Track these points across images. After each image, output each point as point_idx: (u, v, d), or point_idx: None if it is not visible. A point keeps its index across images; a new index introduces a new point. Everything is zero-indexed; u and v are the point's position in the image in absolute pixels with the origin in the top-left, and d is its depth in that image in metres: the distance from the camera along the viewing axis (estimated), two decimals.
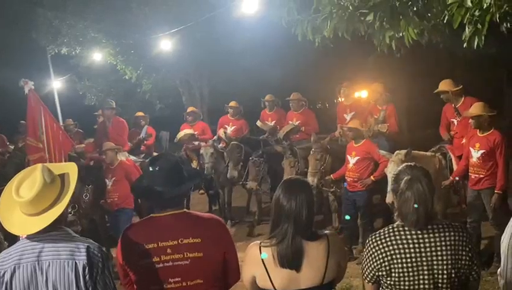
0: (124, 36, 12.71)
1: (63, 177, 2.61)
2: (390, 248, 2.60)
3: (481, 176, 5.94)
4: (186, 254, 2.64)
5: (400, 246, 2.59)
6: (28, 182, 2.49)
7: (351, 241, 7.00)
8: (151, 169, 2.77)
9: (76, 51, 14.05)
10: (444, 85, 6.87)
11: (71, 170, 2.66)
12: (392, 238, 2.62)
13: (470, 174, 6.09)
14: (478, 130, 5.96)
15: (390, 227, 2.68)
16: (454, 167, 6.51)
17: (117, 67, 14.02)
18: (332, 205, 7.78)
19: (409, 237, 2.60)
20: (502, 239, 2.96)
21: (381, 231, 2.69)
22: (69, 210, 7.84)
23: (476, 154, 5.95)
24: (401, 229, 2.63)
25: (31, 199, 2.45)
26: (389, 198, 6.00)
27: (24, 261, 2.44)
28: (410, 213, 2.57)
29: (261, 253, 2.62)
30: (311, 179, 7.01)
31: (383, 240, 2.63)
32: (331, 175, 7.23)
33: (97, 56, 12.96)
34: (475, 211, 6.10)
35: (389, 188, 6.06)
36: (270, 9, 5.57)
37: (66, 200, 2.53)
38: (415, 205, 2.56)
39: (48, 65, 15.48)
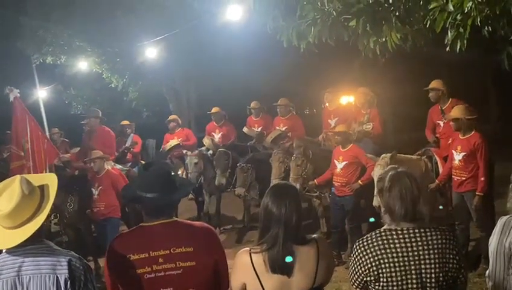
0: (109, 44, 12.65)
1: (42, 188, 2.56)
2: (378, 252, 2.60)
3: (463, 178, 6.01)
4: (179, 264, 2.61)
5: (388, 250, 2.59)
6: (7, 195, 2.43)
7: (339, 245, 7.01)
8: (143, 175, 2.74)
9: (61, 60, 13.95)
10: (437, 83, 6.95)
11: (51, 181, 2.61)
12: (380, 242, 2.61)
13: (453, 176, 6.16)
14: (460, 133, 6.03)
15: (377, 231, 2.67)
16: (440, 169, 6.57)
17: (103, 75, 13.95)
18: (318, 210, 7.79)
19: (396, 241, 2.60)
20: (489, 241, 2.99)
21: (368, 235, 2.68)
22: (52, 219, 7.83)
23: (457, 156, 6.01)
24: (388, 233, 2.63)
25: (9, 212, 2.40)
26: (376, 201, 6.03)
27: (4, 276, 2.39)
28: (398, 206, 2.59)
29: (251, 259, 2.61)
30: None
31: (371, 245, 2.63)
32: (315, 180, 7.25)
33: (82, 65, 12.86)
34: (461, 213, 6.15)
35: (376, 191, 6.11)
36: (254, 16, 5.57)
37: (45, 212, 2.48)
38: (403, 198, 2.58)
39: (33, 74, 15.32)
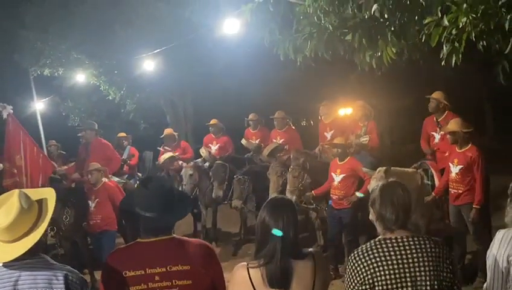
0: (107, 57, 12.69)
1: (40, 202, 2.56)
2: (373, 261, 2.60)
3: (460, 191, 6.03)
4: (175, 282, 2.58)
5: (383, 259, 2.59)
6: (5, 208, 2.44)
7: (336, 259, 7.00)
8: (142, 192, 2.70)
9: (59, 72, 13.97)
10: (439, 95, 7.04)
11: (49, 195, 2.61)
12: (375, 252, 2.62)
13: (449, 189, 6.18)
14: (456, 146, 6.06)
15: (372, 241, 2.69)
16: (436, 182, 6.59)
17: (100, 87, 13.97)
18: (315, 222, 7.78)
19: (391, 250, 2.61)
20: (487, 255, 3.00)
21: (363, 246, 2.70)
22: (49, 232, 7.80)
23: (454, 169, 6.04)
24: (383, 242, 2.64)
25: (7, 226, 2.40)
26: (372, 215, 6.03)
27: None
28: (390, 212, 2.62)
29: (249, 274, 2.59)
30: (289, 196, 7.04)
31: (365, 255, 2.63)
32: (313, 191, 7.24)
33: (80, 77, 12.87)
34: (458, 226, 6.16)
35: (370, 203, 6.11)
36: (252, 30, 5.62)
37: (44, 226, 2.48)
38: (394, 204, 2.62)
39: (30, 86, 15.35)
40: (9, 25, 13.56)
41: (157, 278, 2.58)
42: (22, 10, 13.50)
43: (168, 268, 2.59)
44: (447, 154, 6.57)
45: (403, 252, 2.59)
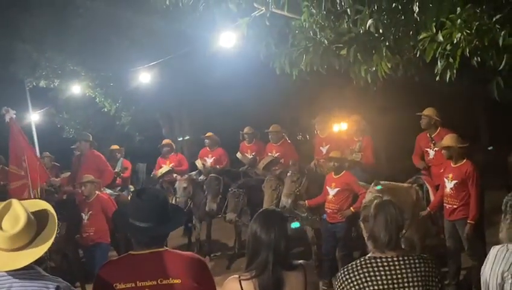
0: (103, 69, 12.72)
1: (38, 214, 2.56)
2: (363, 280, 2.60)
3: (455, 206, 6.03)
4: None
5: (372, 274, 2.59)
6: (11, 217, 2.44)
7: (331, 273, 6.95)
8: (136, 202, 2.69)
9: (54, 84, 14.00)
10: (430, 111, 7.07)
11: (47, 207, 2.63)
12: (364, 269, 2.62)
13: (444, 204, 6.17)
14: (451, 161, 6.08)
15: (362, 259, 2.69)
16: (431, 198, 6.59)
17: (96, 99, 13.97)
18: (309, 235, 7.73)
19: (381, 268, 2.60)
20: (481, 271, 2.98)
21: (353, 263, 2.69)
22: None
23: (449, 184, 6.05)
24: (373, 260, 2.64)
25: (15, 234, 2.40)
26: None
27: None
28: (383, 233, 2.61)
29: (241, 286, 2.58)
30: (284, 200, 7.02)
31: (356, 272, 2.63)
32: (306, 201, 7.21)
33: (76, 88, 12.88)
34: (453, 241, 6.15)
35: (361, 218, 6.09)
36: (248, 44, 5.64)
37: (51, 238, 2.51)
38: (388, 226, 2.60)
39: (26, 98, 15.35)
40: (6, 36, 13.57)
41: None
42: (19, 21, 13.52)
43: (158, 281, 2.57)
44: (442, 170, 6.58)
45: (393, 271, 2.60)
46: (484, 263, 2.98)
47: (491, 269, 2.91)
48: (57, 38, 12.60)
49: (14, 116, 7.77)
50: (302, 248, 8.15)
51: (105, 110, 14.13)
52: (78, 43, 12.40)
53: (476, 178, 5.91)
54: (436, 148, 6.93)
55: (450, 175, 6.04)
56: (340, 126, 9.56)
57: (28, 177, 7.43)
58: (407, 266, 2.61)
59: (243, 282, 2.60)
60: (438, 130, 7.00)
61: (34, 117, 15.42)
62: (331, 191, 6.89)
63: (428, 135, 7.12)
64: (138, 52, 11.38)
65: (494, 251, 2.96)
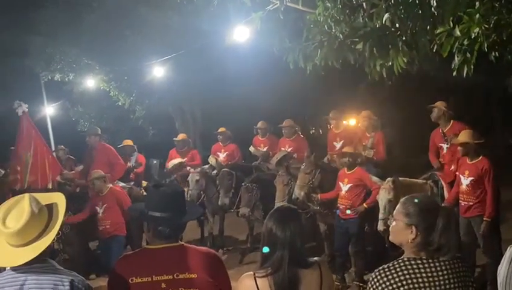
0: (117, 63, 12.77)
1: (50, 207, 2.57)
2: (403, 279, 2.49)
3: (470, 203, 5.95)
4: None
5: (413, 276, 2.48)
6: (15, 212, 2.44)
7: (343, 269, 6.94)
8: (154, 193, 2.72)
9: (69, 78, 14.09)
10: (440, 104, 7.00)
11: (59, 200, 2.62)
12: (404, 270, 2.51)
13: (460, 201, 6.10)
14: (467, 158, 6.00)
15: (400, 260, 2.56)
16: (446, 194, 6.51)
17: (110, 93, 14.05)
18: (322, 232, 7.70)
19: (421, 269, 2.51)
20: (498, 271, 2.92)
21: (390, 264, 2.56)
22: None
23: (465, 181, 5.97)
24: (412, 262, 2.53)
25: (18, 230, 2.41)
26: (381, 226, 5.97)
27: None
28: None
29: (256, 284, 2.57)
30: (298, 192, 6.98)
31: (394, 273, 2.51)
32: (319, 195, 7.17)
33: (90, 82, 12.99)
34: (468, 239, 6.08)
35: (380, 215, 6.05)
36: (261, 37, 5.61)
37: (55, 231, 2.49)
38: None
39: (41, 91, 15.52)
40: (21, 30, 13.70)
41: (163, 285, 2.56)
42: (34, 16, 13.63)
43: (174, 276, 2.57)
44: (452, 168, 6.51)
45: (434, 271, 2.50)
46: (501, 263, 2.93)
47: (507, 269, 2.86)
48: (72, 32, 12.68)
49: (27, 110, 7.85)
50: (314, 243, 8.13)
51: (120, 103, 14.20)
52: (93, 37, 12.47)
53: (492, 175, 5.82)
54: (449, 144, 6.85)
55: (466, 172, 5.96)
56: (354, 121, 9.53)
57: (25, 174, 7.55)
58: (448, 266, 2.52)
59: (258, 279, 2.58)
60: (451, 124, 6.91)
61: (49, 110, 15.61)
62: (344, 187, 6.85)
63: (440, 130, 7.04)
64: (152, 46, 11.42)
65: (511, 250, 2.90)
